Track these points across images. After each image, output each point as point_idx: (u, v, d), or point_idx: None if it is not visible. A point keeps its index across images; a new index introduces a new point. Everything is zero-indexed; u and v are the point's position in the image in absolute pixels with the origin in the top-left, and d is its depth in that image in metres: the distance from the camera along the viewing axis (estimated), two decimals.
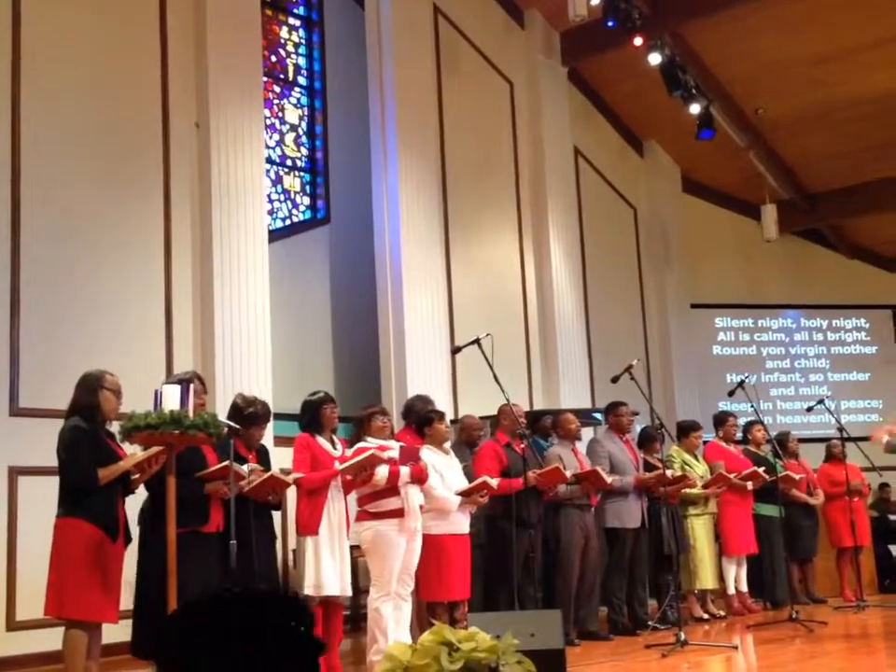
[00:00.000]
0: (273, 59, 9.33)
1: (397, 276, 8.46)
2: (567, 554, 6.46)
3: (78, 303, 6.58)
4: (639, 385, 6.26)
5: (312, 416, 5.39)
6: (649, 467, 7.07)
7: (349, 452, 5.37)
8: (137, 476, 4.51)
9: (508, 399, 5.84)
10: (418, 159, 8.81)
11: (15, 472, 6.10)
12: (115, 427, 4.47)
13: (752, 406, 7.09)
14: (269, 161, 8.73)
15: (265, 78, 8.42)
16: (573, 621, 6.37)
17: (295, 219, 9.29)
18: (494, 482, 5.86)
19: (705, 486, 7.53)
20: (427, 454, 5.65)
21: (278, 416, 6.52)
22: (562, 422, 6.83)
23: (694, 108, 10.04)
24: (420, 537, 5.40)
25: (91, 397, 4.43)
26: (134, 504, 4.75)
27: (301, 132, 9.48)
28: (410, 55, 8.89)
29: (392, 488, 5.28)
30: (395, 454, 5.32)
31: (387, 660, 2.71)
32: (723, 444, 8.08)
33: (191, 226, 7.23)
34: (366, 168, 8.86)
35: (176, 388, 4.31)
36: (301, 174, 9.44)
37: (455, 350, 6.40)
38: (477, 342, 5.73)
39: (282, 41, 9.48)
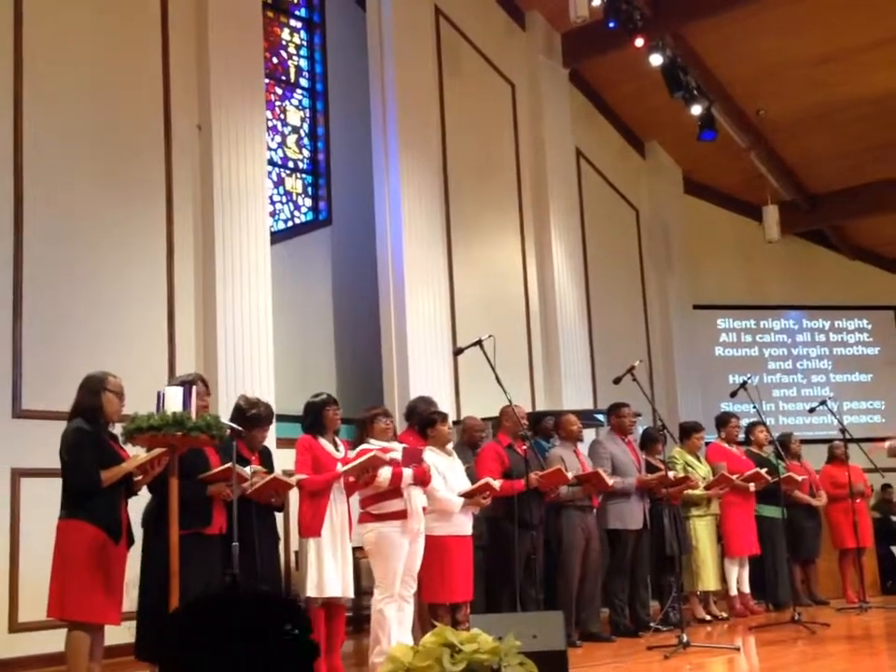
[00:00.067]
0: (275, 61, 9.34)
1: (399, 278, 8.47)
2: (568, 556, 6.46)
3: (81, 305, 6.59)
4: (641, 386, 6.26)
5: (314, 418, 5.39)
6: (651, 468, 7.07)
7: (352, 453, 5.38)
8: (140, 478, 4.51)
9: (510, 401, 5.84)
10: (420, 160, 8.82)
11: (18, 474, 6.10)
12: (117, 429, 4.47)
13: (754, 407, 7.08)
14: (271, 162, 8.74)
15: (267, 80, 8.43)
16: (575, 622, 6.37)
17: (297, 221, 9.30)
18: (496, 483, 5.86)
19: (707, 487, 7.53)
20: (430, 455, 5.65)
21: (280, 418, 6.52)
22: (564, 423, 6.84)
23: (696, 109, 10.04)
24: (423, 538, 5.40)
25: (93, 398, 4.44)
26: (137, 506, 4.76)
27: (302, 133, 9.49)
28: (411, 57, 8.89)
29: (395, 490, 5.28)
30: (398, 455, 5.32)
31: (389, 661, 2.71)
32: (726, 445, 8.08)
33: (193, 227, 7.24)
34: (368, 170, 8.86)
35: (179, 390, 4.31)
36: (303, 175, 9.45)
37: (458, 351, 6.39)
38: (479, 343, 5.74)
39: (283, 43, 9.49)
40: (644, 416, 8.22)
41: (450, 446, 5.97)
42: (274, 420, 5.65)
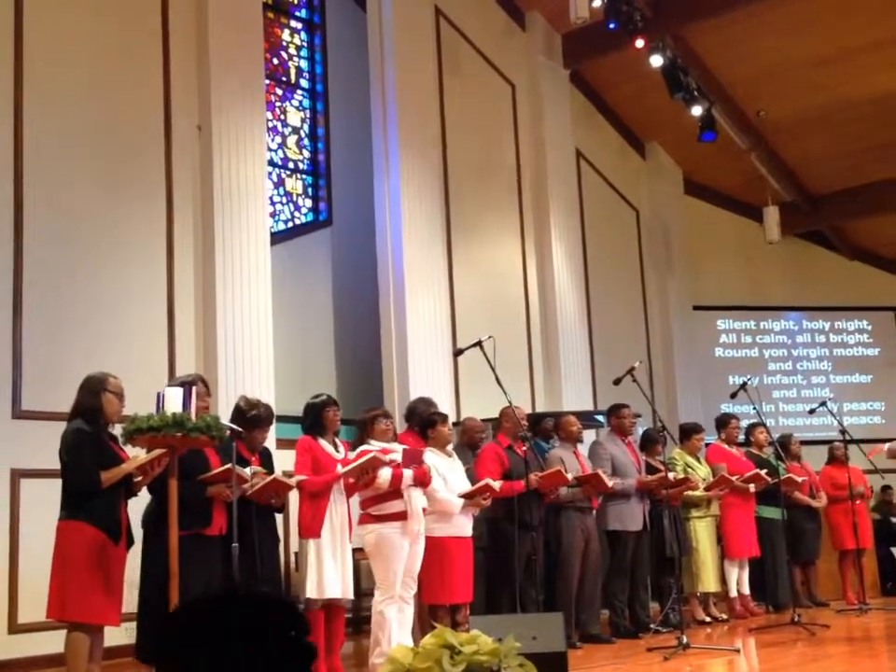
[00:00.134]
0: (275, 61, 9.34)
1: (399, 278, 8.47)
2: (568, 557, 6.46)
3: (80, 306, 6.59)
4: (641, 387, 6.26)
5: (314, 419, 5.39)
6: (651, 469, 7.06)
7: (352, 455, 5.38)
8: (140, 479, 4.51)
9: (510, 402, 5.84)
10: (420, 161, 8.82)
11: (17, 475, 6.10)
12: (117, 430, 4.47)
13: (754, 408, 7.08)
14: (271, 163, 8.74)
15: (267, 81, 8.43)
16: (575, 623, 6.37)
17: (297, 222, 9.30)
18: (496, 484, 5.86)
19: (707, 489, 7.53)
20: (430, 456, 5.65)
21: (280, 419, 6.52)
22: (563, 424, 6.83)
23: (696, 110, 10.04)
24: (423, 539, 5.40)
25: (93, 399, 4.44)
26: (138, 507, 4.76)
27: (302, 134, 9.49)
28: (411, 57, 8.89)
29: (395, 491, 5.28)
30: (398, 457, 5.32)
31: (389, 663, 2.71)
32: (726, 447, 8.08)
33: (193, 228, 7.24)
34: (368, 170, 8.86)
35: (179, 391, 4.31)
36: (303, 176, 9.45)
37: (458, 352, 6.40)
38: (479, 344, 5.73)
39: (284, 44, 9.50)
40: (644, 417, 8.21)
41: (450, 447, 5.97)
42: (274, 421, 5.64)
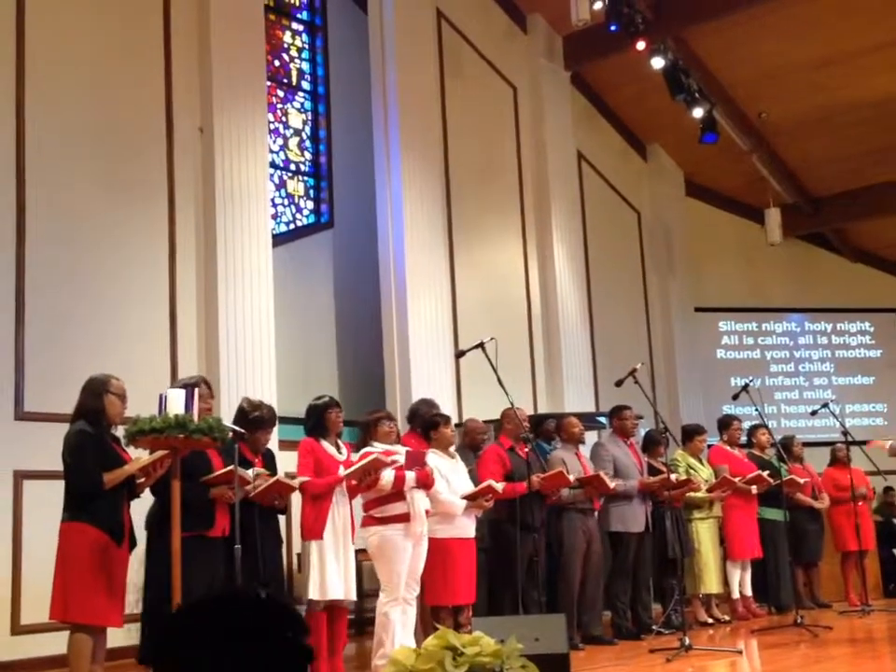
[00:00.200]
0: (277, 63, 9.35)
1: (400, 280, 8.47)
2: (570, 558, 6.46)
3: (83, 307, 6.59)
4: (643, 388, 6.26)
5: (317, 420, 5.39)
6: (653, 471, 7.06)
7: (354, 456, 5.38)
8: (142, 480, 4.52)
9: (511, 403, 5.83)
10: (421, 163, 8.83)
11: (20, 476, 6.11)
12: (120, 432, 4.48)
13: (757, 410, 7.08)
14: (272, 165, 8.75)
15: (269, 83, 8.44)
16: (577, 625, 6.36)
17: (299, 224, 9.31)
18: (499, 486, 5.86)
19: (709, 490, 7.52)
20: (433, 458, 5.65)
21: (283, 420, 6.51)
22: (565, 425, 6.83)
23: (697, 112, 10.04)
24: (426, 541, 5.40)
25: (96, 401, 4.45)
26: (141, 508, 4.76)
27: (304, 136, 9.50)
28: (413, 59, 8.90)
29: (398, 493, 5.28)
30: (401, 459, 5.32)
31: (392, 664, 2.71)
32: (728, 448, 8.08)
33: (195, 230, 7.25)
34: (369, 172, 8.87)
35: (181, 392, 4.32)
36: (305, 178, 9.46)
37: (459, 354, 6.40)
38: (481, 345, 5.73)
39: (285, 46, 9.51)
40: (646, 419, 8.21)
41: (453, 449, 5.97)
42: (277, 422, 5.65)
